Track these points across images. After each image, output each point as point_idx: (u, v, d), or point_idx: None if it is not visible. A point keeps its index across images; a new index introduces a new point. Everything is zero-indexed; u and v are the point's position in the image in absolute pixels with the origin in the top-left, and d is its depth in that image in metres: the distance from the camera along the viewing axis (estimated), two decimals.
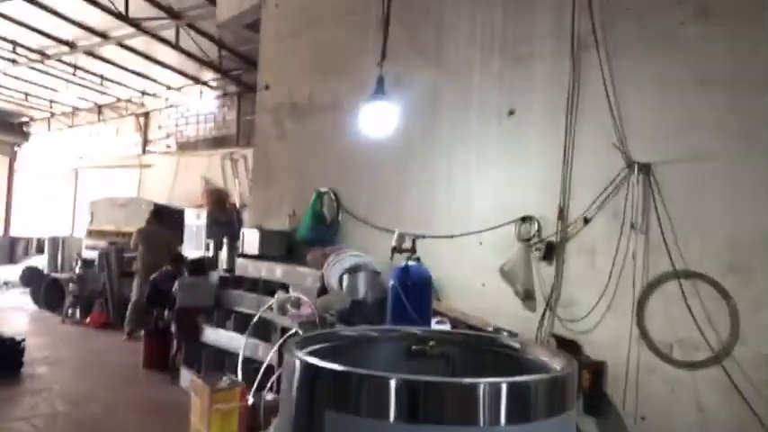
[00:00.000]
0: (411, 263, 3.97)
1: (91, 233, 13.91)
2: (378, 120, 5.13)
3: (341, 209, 6.22)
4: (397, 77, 5.32)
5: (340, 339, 2.03)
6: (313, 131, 6.70)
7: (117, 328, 9.60)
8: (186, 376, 6.19)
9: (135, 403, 5.98)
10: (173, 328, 6.97)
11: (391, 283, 3.91)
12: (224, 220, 12.03)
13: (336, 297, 4.81)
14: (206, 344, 6.40)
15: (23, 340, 6.73)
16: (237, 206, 12.60)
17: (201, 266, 6.97)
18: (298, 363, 1.49)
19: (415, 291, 3.85)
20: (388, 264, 4.40)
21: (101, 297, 10.16)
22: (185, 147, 15.67)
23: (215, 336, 6.38)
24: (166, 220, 12.14)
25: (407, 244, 4.24)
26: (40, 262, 13.48)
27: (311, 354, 1.63)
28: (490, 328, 4.26)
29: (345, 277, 4.88)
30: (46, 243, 13.90)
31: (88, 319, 9.94)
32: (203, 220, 12.23)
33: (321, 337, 1.93)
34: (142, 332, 7.78)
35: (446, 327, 4.25)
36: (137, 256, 9.49)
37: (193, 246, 12.04)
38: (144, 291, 7.73)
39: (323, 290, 5.15)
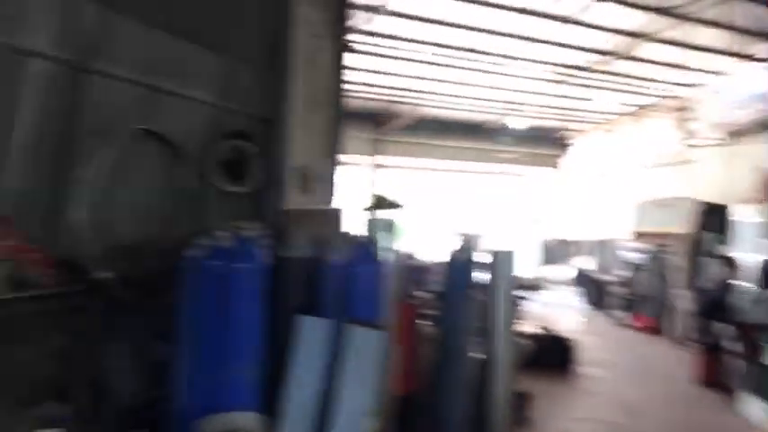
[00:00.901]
0: None
1: (636, 235, 13.89)
2: None
3: None
4: None
5: None
6: None
7: (666, 334, 9.07)
8: (749, 403, 5.11)
9: (692, 425, 5.33)
10: (728, 344, 5.96)
11: None
12: None
13: None
14: None
15: (575, 340, 6.96)
16: None
17: None
18: None
19: None
20: None
21: (647, 301, 9.80)
22: (734, 135, 13.80)
23: None
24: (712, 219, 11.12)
25: None
26: (588, 263, 14.20)
27: None
28: None
29: None
30: (592, 245, 14.54)
31: (635, 323, 9.72)
32: (760, 218, 10.46)
33: None
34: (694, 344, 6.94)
35: None
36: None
37: (747, 248, 10.41)
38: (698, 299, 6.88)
39: None
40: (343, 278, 3.66)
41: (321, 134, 6.37)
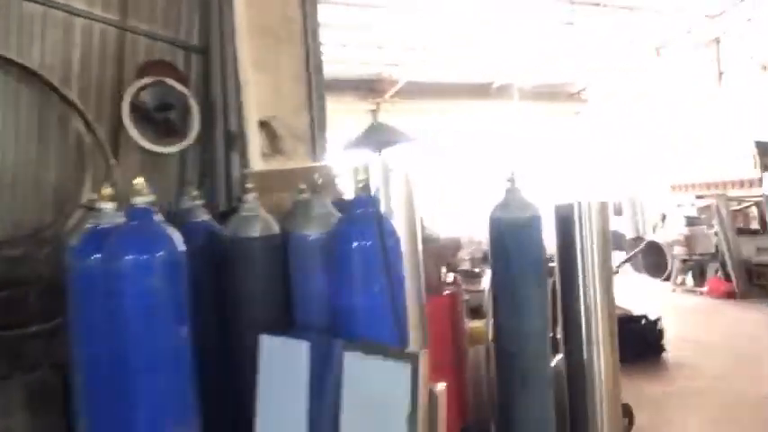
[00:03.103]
0: None
1: (675, 187, 12.25)
2: None
3: None
4: None
5: None
6: None
7: (746, 299, 7.46)
8: None
9: None
10: None
11: None
12: None
13: None
14: None
15: (659, 319, 5.29)
16: None
17: None
18: None
19: None
20: None
21: (715, 260, 8.14)
22: None
23: None
24: None
25: None
26: (618, 224, 12.50)
27: None
28: None
29: None
30: (623, 204, 12.93)
31: (705, 288, 8.05)
32: None
33: None
34: None
35: None
36: None
37: None
38: None
39: None
40: (333, 263, 2.05)
41: (292, 80, 4.74)
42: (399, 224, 2.34)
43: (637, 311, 5.48)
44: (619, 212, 12.97)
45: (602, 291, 2.79)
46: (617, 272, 4.54)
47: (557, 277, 3.03)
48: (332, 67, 12.74)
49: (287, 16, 4.72)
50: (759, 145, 10.33)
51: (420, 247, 2.45)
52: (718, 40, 13.63)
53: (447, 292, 3.03)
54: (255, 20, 4.22)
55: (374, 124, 3.20)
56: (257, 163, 3.89)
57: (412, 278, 2.34)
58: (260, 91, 4.25)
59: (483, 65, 14.50)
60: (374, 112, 15.17)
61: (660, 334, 5.21)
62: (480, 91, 15.85)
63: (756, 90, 12.35)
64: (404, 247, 2.29)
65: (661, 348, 5.18)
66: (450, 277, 3.47)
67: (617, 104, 16.48)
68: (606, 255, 2.82)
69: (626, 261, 5.43)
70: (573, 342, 2.86)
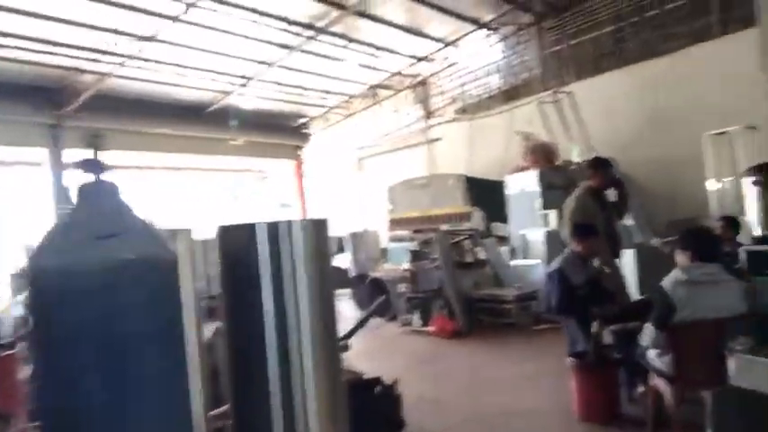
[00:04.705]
0: None
1: (394, 222, 12.04)
2: None
3: None
4: None
5: None
6: None
7: (471, 337, 7.03)
8: None
9: None
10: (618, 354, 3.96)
11: None
12: (560, 182, 9.19)
13: None
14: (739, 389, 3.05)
15: (396, 383, 4.10)
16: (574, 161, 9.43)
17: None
18: None
19: None
20: None
21: (439, 297, 7.63)
22: (477, 108, 13.04)
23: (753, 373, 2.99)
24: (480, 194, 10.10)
25: None
26: (342, 261, 11.78)
27: None
28: None
29: None
30: (345, 240, 12.26)
31: (432, 327, 7.44)
32: (534, 186, 9.35)
33: None
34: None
35: None
36: None
37: (527, 221, 9.21)
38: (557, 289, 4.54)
39: None
40: None
41: None
42: None
43: (368, 372, 4.27)
44: (341, 249, 12.32)
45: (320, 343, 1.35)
46: (347, 346, 3.23)
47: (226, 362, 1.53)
48: None
49: None
50: (467, 181, 10.62)
51: None
52: (425, 84, 14.22)
53: None
54: None
55: None
56: None
57: None
58: None
59: (195, 82, 12.63)
60: (53, 127, 12.05)
61: (398, 402, 4.05)
62: (193, 113, 13.92)
63: (456, 130, 13.09)
64: None
65: (401, 423, 4.01)
66: None
67: (339, 139, 16.24)
68: (325, 306, 1.42)
69: (363, 322, 4.18)
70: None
